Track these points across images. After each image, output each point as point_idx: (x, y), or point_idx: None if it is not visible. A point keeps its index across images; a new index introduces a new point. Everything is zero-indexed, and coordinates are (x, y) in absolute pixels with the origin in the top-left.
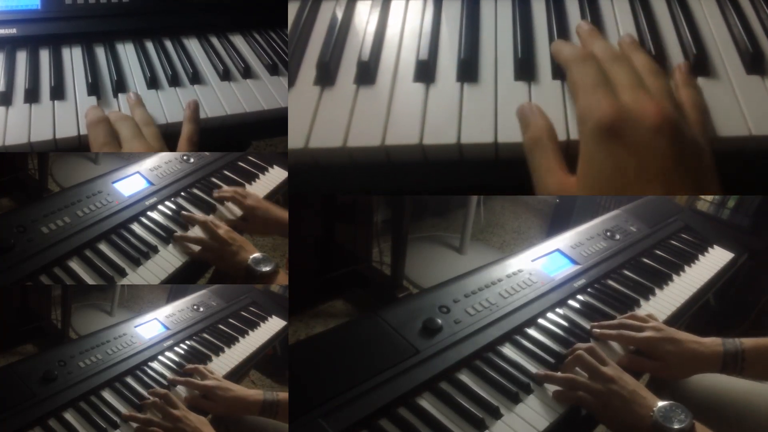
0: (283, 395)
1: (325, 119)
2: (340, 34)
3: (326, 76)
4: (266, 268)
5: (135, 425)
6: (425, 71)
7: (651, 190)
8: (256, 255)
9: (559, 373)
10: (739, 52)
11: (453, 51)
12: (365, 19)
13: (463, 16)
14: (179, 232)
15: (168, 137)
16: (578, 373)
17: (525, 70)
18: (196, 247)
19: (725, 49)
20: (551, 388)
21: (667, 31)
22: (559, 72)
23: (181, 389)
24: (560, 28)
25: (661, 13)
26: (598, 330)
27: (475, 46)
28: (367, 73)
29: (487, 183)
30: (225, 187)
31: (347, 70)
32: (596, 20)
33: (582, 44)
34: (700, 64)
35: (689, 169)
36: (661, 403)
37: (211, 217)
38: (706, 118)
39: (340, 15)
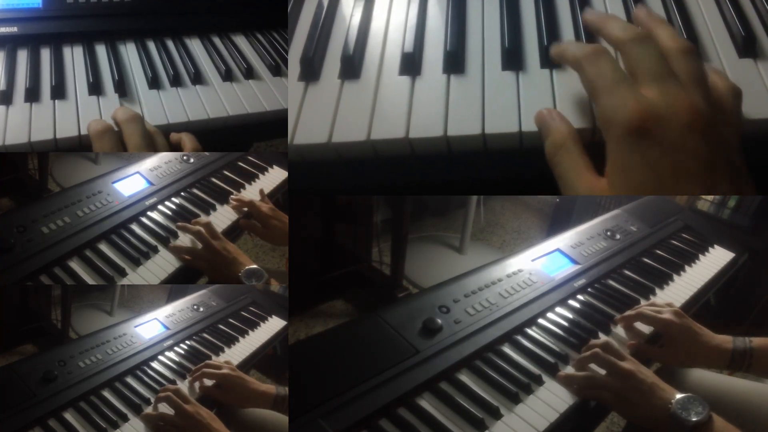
0: None
1: (310, 115)
2: (323, 28)
3: (310, 71)
4: (257, 283)
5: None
6: (411, 64)
7: (687, 190)
8: (249, 267)
9: (579, 373)
10: (731, 35)
11: (439, 43)
12: (349, 12)
13: (449, 7)
14: (174, 242)
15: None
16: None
17: (512, 59)
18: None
19: (717, 32)
20: (555, 387)
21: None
22: (547, 61)
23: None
24: (548, 16)
25: None
26: (619, 318)
27: (462, 37)
28: (351, 67)
29: (479, 176)
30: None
31: (332, 65)
32: (585, 6)
33: (598, 28)
34: None
35: (724, 166)
36: (679, 396)
37: (207, 222)
38: (739, 105)
39: (323, 9)
